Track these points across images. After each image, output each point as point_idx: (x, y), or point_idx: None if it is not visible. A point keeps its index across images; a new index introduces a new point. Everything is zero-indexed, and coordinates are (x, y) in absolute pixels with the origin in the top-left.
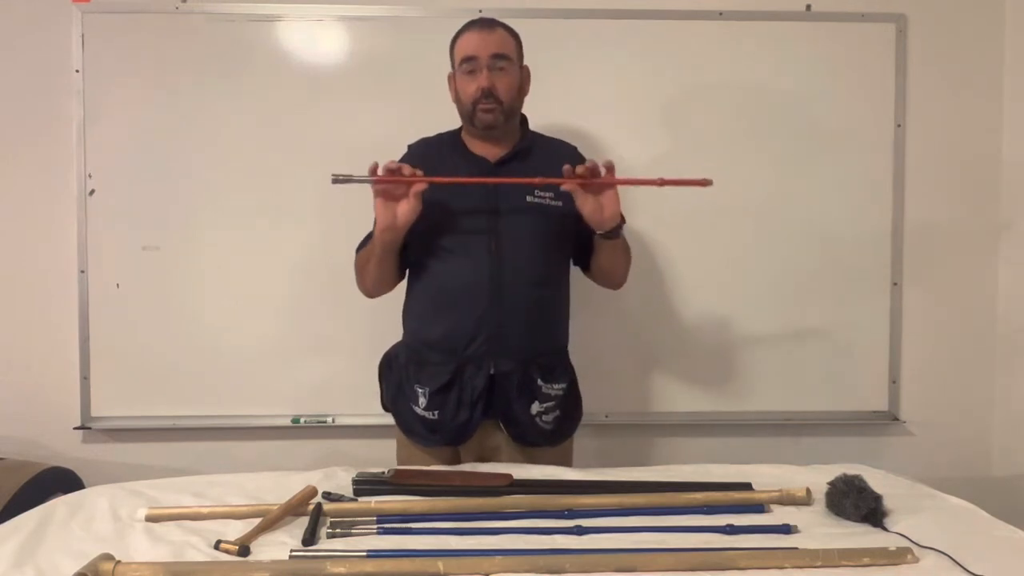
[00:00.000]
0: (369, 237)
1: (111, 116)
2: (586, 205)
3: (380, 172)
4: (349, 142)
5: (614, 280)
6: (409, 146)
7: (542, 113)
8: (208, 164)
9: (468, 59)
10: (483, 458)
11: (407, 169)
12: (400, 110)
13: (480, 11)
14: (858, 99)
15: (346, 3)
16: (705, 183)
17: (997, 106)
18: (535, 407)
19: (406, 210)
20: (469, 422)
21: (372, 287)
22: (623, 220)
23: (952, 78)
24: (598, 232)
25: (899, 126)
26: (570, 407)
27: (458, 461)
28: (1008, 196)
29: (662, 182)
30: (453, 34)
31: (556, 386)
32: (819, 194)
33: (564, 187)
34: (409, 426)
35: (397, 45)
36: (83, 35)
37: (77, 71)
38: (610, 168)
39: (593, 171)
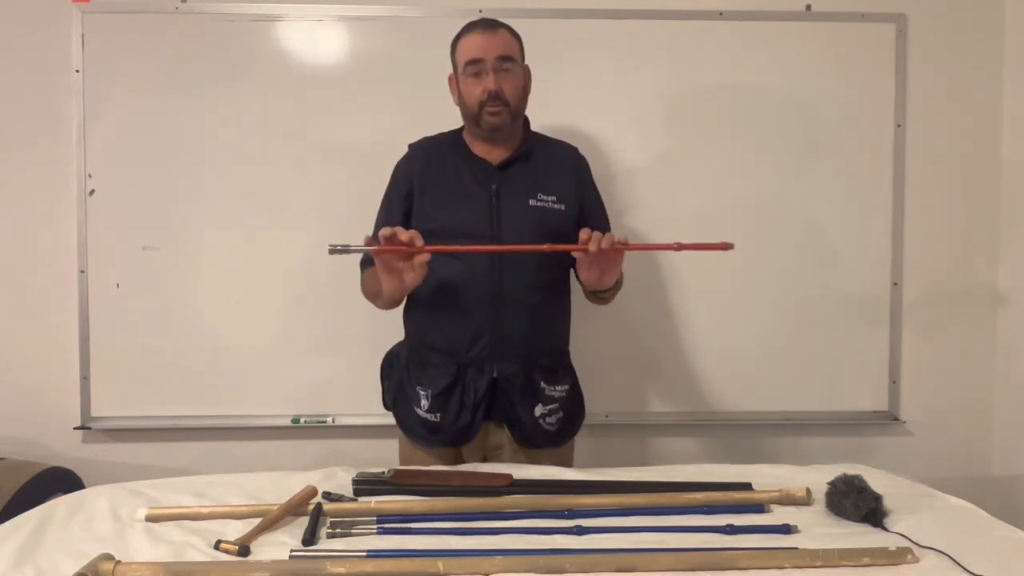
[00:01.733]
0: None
1: (111, 116)
2: (585, 271)
3: (379, 241)
4: (349, 142)
5: (599, 304)
6: (410, 145)
7: (542, 113)
8: (208, 164)
9: (473, 61)
10: (486, 457)
11: (404, 236)
12: (400, 110)
13: (480, 11)
14: (858, 99)
15: (346, 3)
16: (726, 247)
17: (997, 106)
18: (538, 409)
19: (411, 278)
20: (471, 425)
21: (384, 308)
22: (619, 284)
23: (952, 78)
24: (588, 288)
25: (899, 126)
26: (573, 408)
27: (461, 460)
28: (1008, 196)
29: (679, 247)
30: (452, 33)
31: (559, 388)
32: (819, 194)
33: (576, 255)
34: (410, 427)
35: (397, 45)
36: (83, 35)
37: (77, 71)
38: (624, 243)
39: (607, 245)
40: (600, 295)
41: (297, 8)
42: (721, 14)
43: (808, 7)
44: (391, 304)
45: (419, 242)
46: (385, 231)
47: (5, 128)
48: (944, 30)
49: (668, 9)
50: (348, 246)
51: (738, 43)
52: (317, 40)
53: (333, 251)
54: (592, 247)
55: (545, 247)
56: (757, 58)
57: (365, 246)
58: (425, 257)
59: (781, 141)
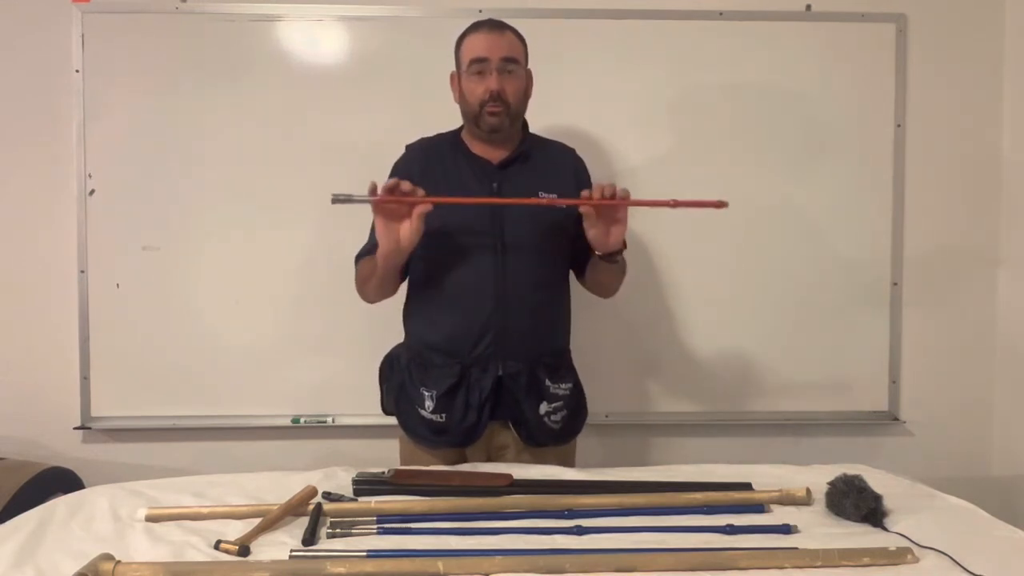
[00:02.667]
0: (368, 250)
1: (111, 116)
2: (592, 229)
3: (380, 192)
4: (349, 142)
5: (606, 293)
6: (407, 146)
7: (542, 113)
8: (208, 164)
9: (478, 60)
10: (490, 458)
11: (407, 187)
12: (400, 110)
13: (480, 11)
14: (858, 99)
15: (346, 3)
16: (720, 205)
17: (997, 106)
18: (543, 407)
19: (408, 232)
20: (477, 424)
21: (374, 298)
22: (624, 246)
23: (952, 78)
24: (598, 253)
25: (899, 126)
26: (576, 406)
27: (464, 461)
28: (1008, 196)
29: (675, 203)
30: (452, 33)
31: (563, 386)
32: (819, 194)
33: (581, 210)
34: (413, 428)
35: (397, 45)
36: (83, 35)
37: (77, 71)
38: (624, 197)
39: (609, 193)
40: (612, 259)
41: (297, 8)
42: (721, 14)
43: (808, 7)
44: (385, 280)
45: (420, 193)
46: (389, 182)
47: (5, 128)
48: (944, 30)
49: (668, 9)
50: (351, 196)
51: (738, 43)
52: (317, 40)
53: (336, 200)
54: (596, 194)
55: (545, 201)
56: (757, 58)
57: (368, 196)
58: (426, 208)
59: (781, 141)
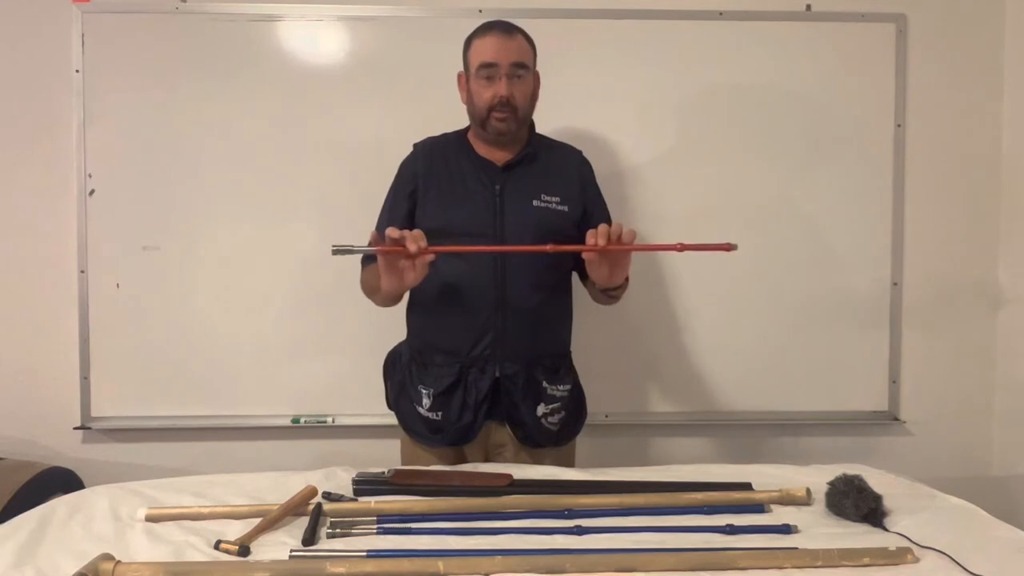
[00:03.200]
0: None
1: (111, 116)
2: (595, 270)
3: (385, 241)
4: (349, 142)
5: (606, 305)
6: (415, 145)
7: (542, 113)
8: (208, 164)
9: (487, 65)
10: (488, 457)
11: (411, 244)
12: (400, 110)
13: (480, 11)
14: (858, 99)
15: (346, 3)
16: (729, 248)
17: (997, 106)
18: (541, 408)
19: (412, 277)
20: (473, 424)
21: (380, 306)
22: (627, 280)
23: (952, 78)
24: (599, 286)
25: (899, 126)
26: (575, 408)
27: (463, 459)
28: (1008, 196)
29: (682, 247)
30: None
31: (561, 387)
32: (819, 194)
33: (584, 255)
34: (412, 426)
35: (397, 45)
36: (83, 35)
37: (77, 71)
38: (630, 238)
39: (615, 235)
40: (610, 293)
41: (297, 8)
42: (721, 14)
43: (808, 7)
44: (388, 301)
45: (423, 244)
46: (392, 232)
47: (5, 128)
48: (944, 30)
49: (668, 9)
50: (352, 247)
51: (738, 43)
52: (317, 40)
53: (337, 252)
54: (601, 241)
55: (548, 248)
56: (757, 58)
57: (369, 246)
58: (429, 257)
59: (781, 141)
